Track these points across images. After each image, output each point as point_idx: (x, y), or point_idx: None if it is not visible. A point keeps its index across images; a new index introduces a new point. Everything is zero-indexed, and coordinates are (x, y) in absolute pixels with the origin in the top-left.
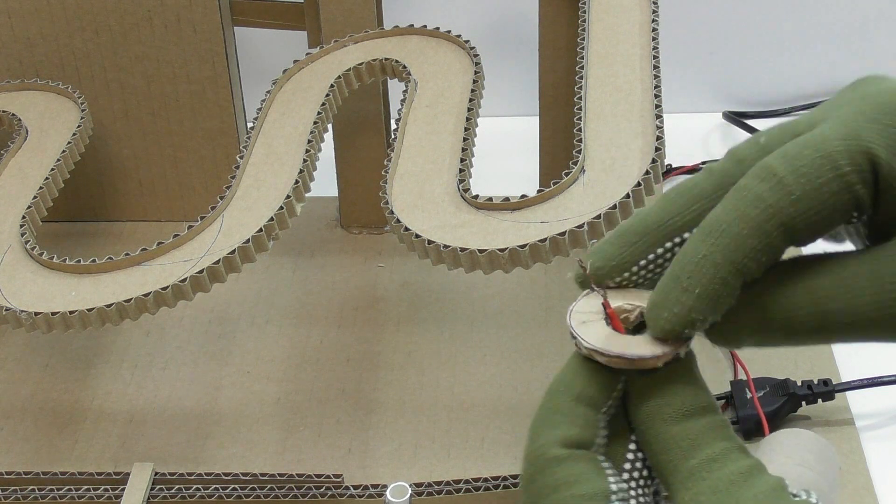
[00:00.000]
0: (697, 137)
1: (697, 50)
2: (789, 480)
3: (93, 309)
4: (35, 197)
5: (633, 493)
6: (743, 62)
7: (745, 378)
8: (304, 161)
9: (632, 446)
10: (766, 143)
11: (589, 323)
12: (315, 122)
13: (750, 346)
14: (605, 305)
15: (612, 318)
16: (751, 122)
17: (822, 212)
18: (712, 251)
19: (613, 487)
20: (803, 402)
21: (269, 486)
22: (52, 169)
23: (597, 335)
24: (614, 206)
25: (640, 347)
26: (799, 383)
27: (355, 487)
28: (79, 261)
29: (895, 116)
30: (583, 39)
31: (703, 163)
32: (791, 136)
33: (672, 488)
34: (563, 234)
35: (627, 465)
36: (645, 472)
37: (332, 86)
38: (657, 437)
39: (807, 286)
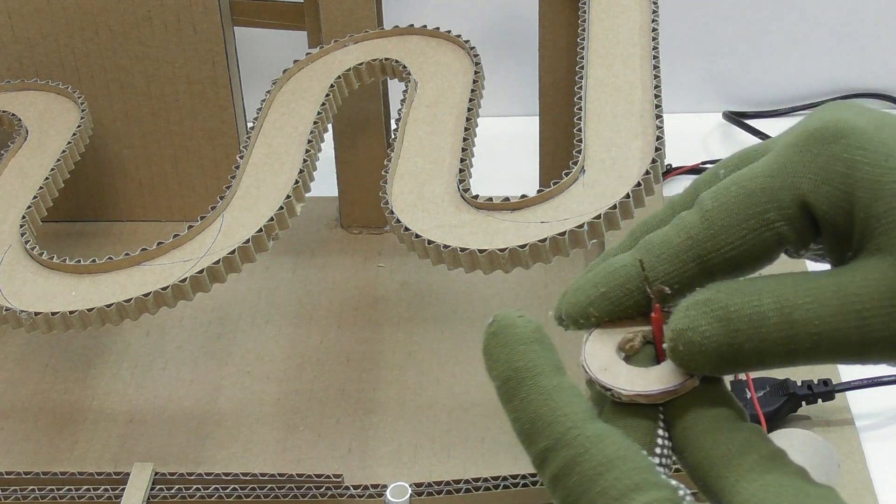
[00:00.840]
0: (697, 137)
1: (697, 50)
2: None
3: (93, 309)
4: (35, 197)
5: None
6: (743, 62)
7: (744, 378)
8: (304, 161)
9: (660, 431)
10: (724, 175)
11: (609, 369)
12: (315, 122)
13: (715, 367)
14: (656, 330)
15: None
16: (751, 122)
17: (741, 247)
18: (633, 263)
19: None
20: (803, 402)
21: (269, 486)
22: (52, 169)
23: (627, 379)
24: (614, 206)
25: (673, 375)
26: (799, 383)
27: (355, 487)
28: (79, 261)
29: (822, 144)
30: (583, 39)
31: (703, 163)
32: (745, 165)
33: (727, 481)
34: (563, 234)
35: (658, 450)
36: (670, 462)
37: (332, 86)
38: (708, 435)
39: (775, 294)
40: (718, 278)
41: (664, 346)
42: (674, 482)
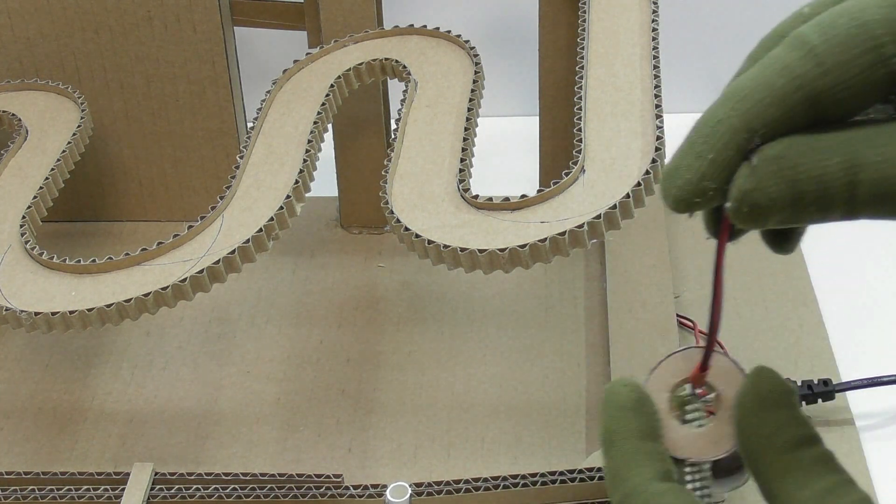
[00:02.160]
0: None
1: (697, 50)
2: None
3: (93, 309)
4: (35, 197)
5: None
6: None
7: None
8: (304, 161)
9: (687, 467)
10: (810, 14)
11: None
12: (315, 122)
13: (778, 220)
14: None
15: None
16: None
17: (853, 87)
18: (730, 115)
19: None
20: (803, 402)
21: (269, 486)
22: (52, 169)
23: (681, 443)
24: (614, 206)
25: (723, 439)
26: (799, 383)
27: (355, 487)
28: (79, 261)
29: None
30: (583, 39)
31: None
32: (836, 3)
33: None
34: (563, 234)
35: (688, 485)
36: (704, 492)
37: (332, 86)
38: (769, 466)
39: (844, 152)
40: (820, 117)
41: (726, 206)
42: None
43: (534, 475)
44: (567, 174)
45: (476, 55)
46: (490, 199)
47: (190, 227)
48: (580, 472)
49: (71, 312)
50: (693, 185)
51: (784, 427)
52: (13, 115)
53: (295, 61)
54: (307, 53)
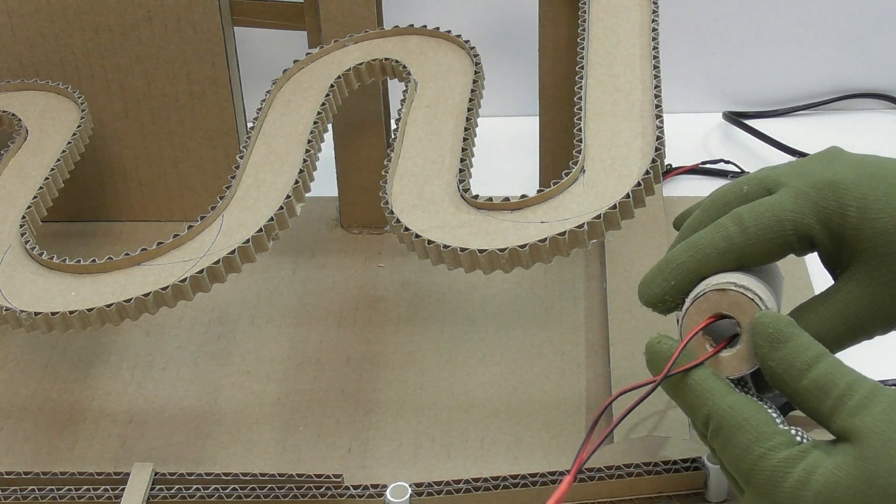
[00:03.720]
0: (697, 137)
1: (697, 50)
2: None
3: (93, 309)
4: (35, 197)
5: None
6: (743, 62)
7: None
8: (304, 161)
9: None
10: (748, 192)
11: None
12: (315, 122)
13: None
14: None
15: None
16: (751, 122)
17: (766, 253)
18: (689, 261)
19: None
20: None
21: (269, 486)
22: (52, 169)
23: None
24: (614, 206)
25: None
26: None
27: (355, 487)
28: (79, 261)
29: (823, 193)
30: (583, 39)
31: (703, 163)
32: (765, 189)
33: (823, 423)
34: (563, 234)
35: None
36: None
37: (332, 86)
38: (795, 394)
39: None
40: (742, 267)
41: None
42: (789, 429)
43: (534, 475)
44: (567, 174)
45: (476, 55)
46: (490, 199)
47: (190, 227)
48: (580, 472)
49: (71, 312)
50: (658, 298)
51: (793, 357)
52: (13, 115)
53: (295, 61)
54: (307, 53)
